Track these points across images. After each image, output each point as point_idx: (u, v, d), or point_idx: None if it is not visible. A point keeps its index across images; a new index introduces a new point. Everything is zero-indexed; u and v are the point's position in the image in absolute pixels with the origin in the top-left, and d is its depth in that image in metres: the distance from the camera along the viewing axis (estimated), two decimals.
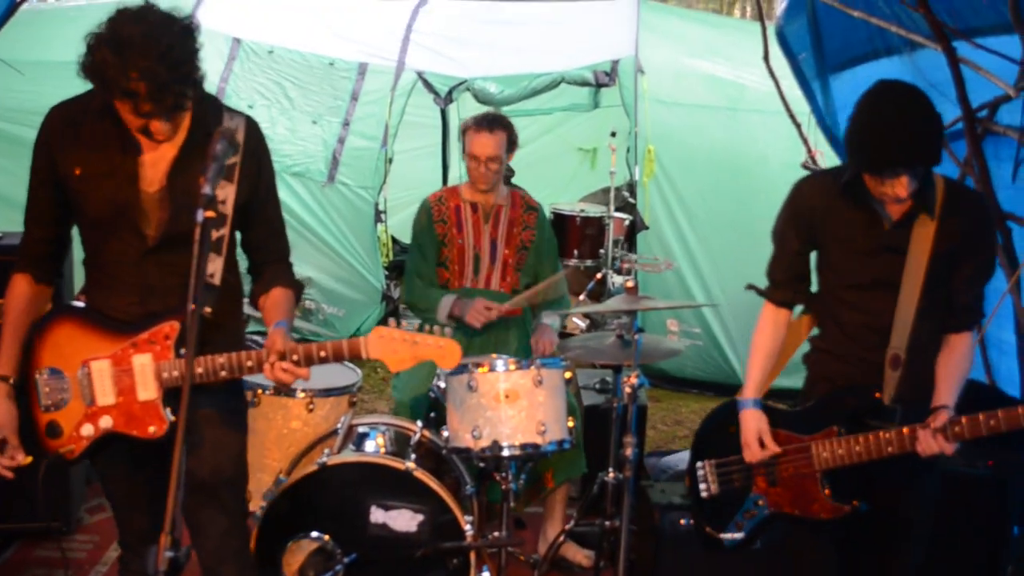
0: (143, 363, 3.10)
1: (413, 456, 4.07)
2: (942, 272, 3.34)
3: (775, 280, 3.67)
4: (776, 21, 5.96)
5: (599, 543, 4.55)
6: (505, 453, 3.99)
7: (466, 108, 9.88)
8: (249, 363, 3.07)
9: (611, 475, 4.46)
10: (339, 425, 4.33)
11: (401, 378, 4.98)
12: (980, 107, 4.34)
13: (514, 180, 9.10)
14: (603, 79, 7.90)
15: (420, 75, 8.18)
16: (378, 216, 8.41)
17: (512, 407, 4.01)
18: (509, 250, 5.04)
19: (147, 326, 3.13)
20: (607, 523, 4.47)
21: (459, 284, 5.00)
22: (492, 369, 4.05)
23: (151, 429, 3.10)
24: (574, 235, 9.10)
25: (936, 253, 3.31)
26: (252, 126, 3.22)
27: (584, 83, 8.13)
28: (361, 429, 4.33)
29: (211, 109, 3.17)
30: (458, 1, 9.21)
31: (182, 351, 3.09)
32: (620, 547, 4.19)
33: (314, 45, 8.36)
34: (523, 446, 4.00)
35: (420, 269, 5.02)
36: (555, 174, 10.57)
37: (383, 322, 8.81)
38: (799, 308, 3.74)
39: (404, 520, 3.99)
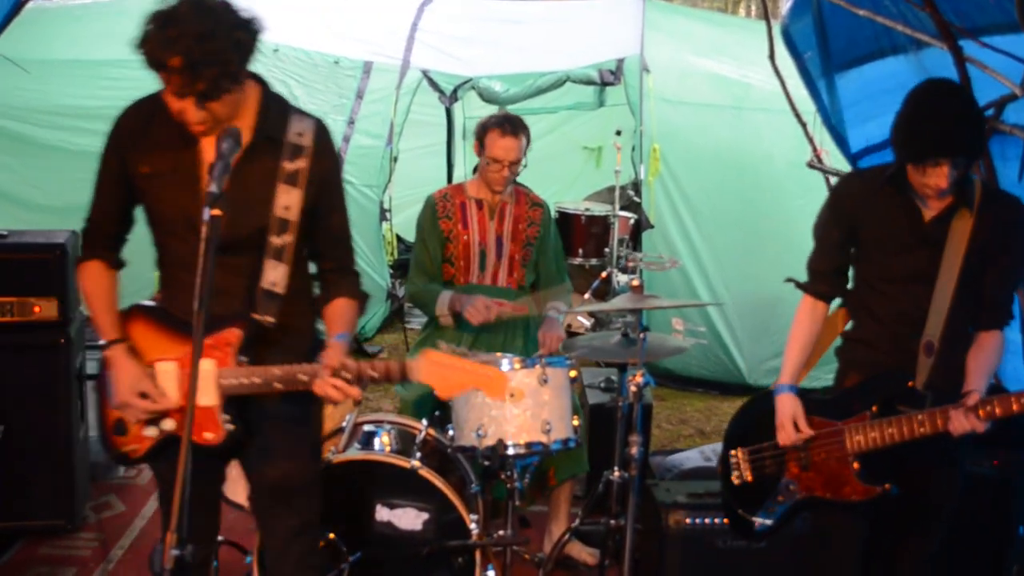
0: (205, 368, 3.07)
1: (418, 454, 4.07)
2: (977, 266, 3.44)
3: (815, 272, 3.75)
4: (781, 20, 5.95)
5: (604, 542, 4.55)
6: (510, 452, 3.99)
7: (471, 107, 9.91)
8: (303, 377, 3.05)
9: (616, 474, 4.46)
10: (344, 423, 4.33)
11: None
12: (986, 106, 4.31)
13: (519, 178, 9.10)
14: (608, 78, 7.89)
15: (425, 73, 8.18)
16: (383, 214, 8.40)
17: (517, 406, 4.01)
18: (515, 246, 5.04)
19: (212, 331, 3.10)
20: (612, 522, 4.46)
21: (465, 280, 5.01)
22: (497, 368, 4.04)
23: (208, 435, 3.10)
24: (579, 234, 9.08)
25: (972, 247, 3.41)
26: (321, 131, 3.19)
27: (589, 82, 8.12)
28: (366, 427, 4.33)
29: (277, 112, 3.16)
30: (464, 0, 9.21)
31: (242, 358, 3.10)
32: (625, 546, 4.19)
33: (319, 43, 8.36)
34: (528, 444, 4.00)
35: (423, 264, 5.02)
36: (560, 172, 10.56)
37: (389, 320, 8.86)
38: (836, 303, 3.82)
39: (409, 518, 3.99)
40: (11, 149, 8.01)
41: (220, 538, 3.90)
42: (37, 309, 4.83)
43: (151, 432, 3.16)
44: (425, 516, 3.99)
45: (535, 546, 4.97)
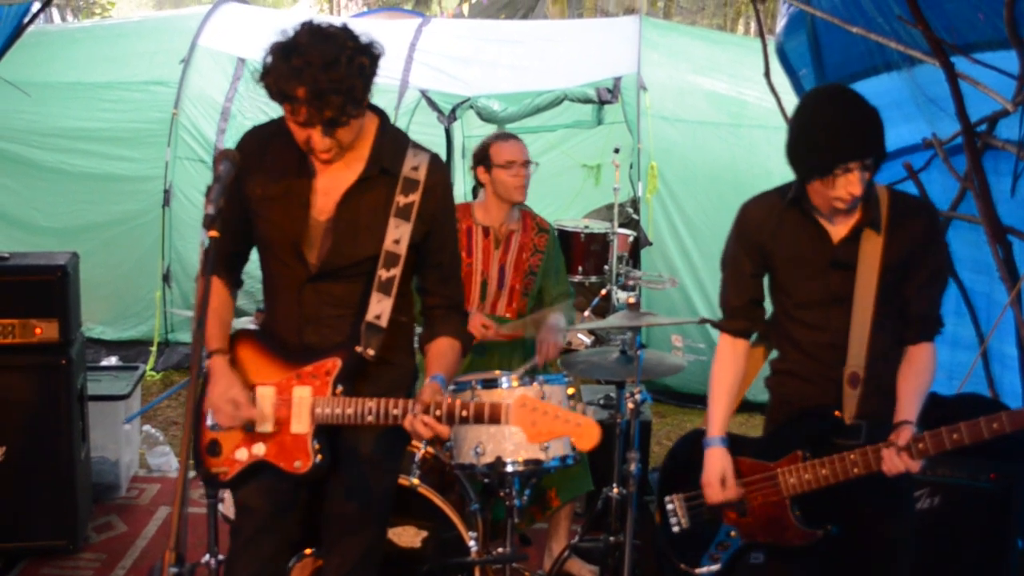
0: (302, 396, 3.13)
1: (418, 472, 4.09)
2: (893, 284, 3.32)
3: (730, 308, 3.58)
4: (776, 37, 5.99)
5: (603, 559, 4.57)
6: (508, 469, 4.00)
7: (470, 126, 9.95)
8: (395, 411, 3.07)
9: (615, 491, 4.48)
10: None
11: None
12: (979, 121, 4.36)
13: None
14: (606, 96, 7.93)
15: (424, 93, 8.21)
16: None
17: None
18: (517, 276, 5.04)
19: (313, 359, 3.16)
20: (611, 539, 4.49)
21: (466, 308, 5.00)
22: (496, 386, 4.07)
23: (297, 464, 3.14)
24: (578, 251, 9.09)
25: (886, 266, 3.29)
26: (435, 166, 3.20)
27: (587, 100, 8.16)
28: None
29: (394, 145, 3.18)
30: (461, 20, 9.25)
31: (339, 389, 3.12)
32: (624, 563, 4.21)
33: None
34: (526, 462, 4.01)
35: None
36: (559, 190, 10.58)
37: None
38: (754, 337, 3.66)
39: (408, 536, 4.00)
40: (12, 171, 8.07)
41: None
42: (39, 331, 4.86)
43: (242, 456, 3.19)
44: (424, 534, 4.01)
45: (535, 563, 4.98)
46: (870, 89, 5.16)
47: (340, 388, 3.12)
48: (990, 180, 4.43)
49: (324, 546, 3.37)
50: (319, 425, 3.12)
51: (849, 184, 3.14)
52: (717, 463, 3.46)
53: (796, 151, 3.22)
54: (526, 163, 4.96)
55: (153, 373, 7.98)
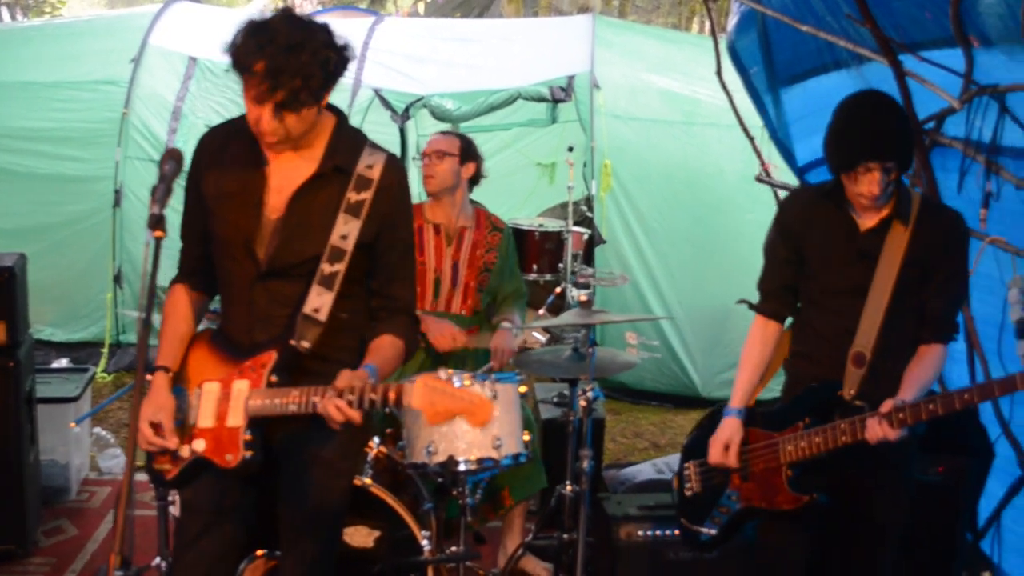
0: (239, 389, 3.12)
1: (370, 472, 4.07)
2: (913, 280, 3.46)
3: (765, 292, 3.79)
4: (727, 36, 6.02)
5: (558, 556, 4.57)
6: (461, 468, 3.98)
7: (424, 125, 9.91)
8: (315, 398, 3.04)
9: (568, 488, 4.48)
10: None
11: None
12: (927, 119, 4.39)
13: (472, 195, 9.10)
14: (559, 95, 7.94)
15: (377, 92, 8.18)
16: None
17: (467, 422, 4.01)
18: (471, 273, 5.03)
19: (253, 354, 3.15)
20: (565, 536, 4.49)
21: (419, 307, 4.98)
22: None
23: (228, 457, 3.11)
24: (533, 250, 9.08)
25: (908, 260, 3.44)
26: (391, 165, 3.20)
27: (540, 99, 8.17)
28: None
29: (350, 143, 3.19)
30: (415, 19, 9.24)
31: (273, 379, 3.10)
32: (577, 560, 4.22)
33: None
34: (479, 461, 4.00)
35: None
36: (514, 189, 10.57)
37: None
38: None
39: (361, 536, 3.98)
40: None
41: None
42: None
43: (184, 453, 3.15)
44: (377, 534, 3.99)
45: (489, 561, 4.97)
46: (820, 87, 5.21)
47: (274, 378, 3.10)
48: (938, 177, 4.46)
49: (280, 547, 3.34)
50: (254, 419, 3.10)
51: (870, 183, 3.35)
52: (727, 430, 3.68)
53: (828, 146, 3.47)
54: (435, 154, 4.95)
55: (104, 375, 7.90)
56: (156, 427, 3.10)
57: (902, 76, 4.33)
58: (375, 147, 3.22)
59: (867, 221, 3.50)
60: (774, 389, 3.89)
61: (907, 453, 3.53)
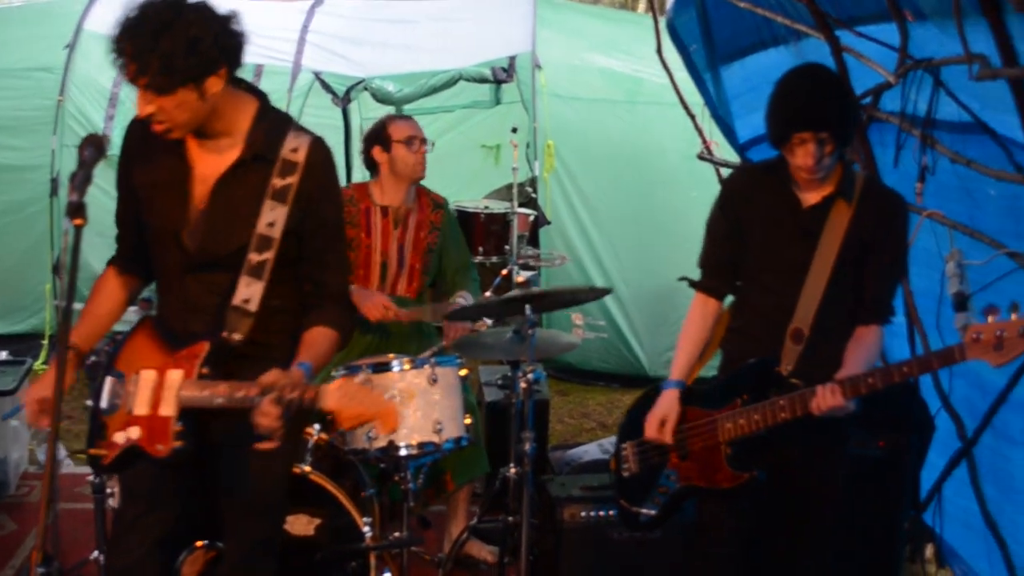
0: (173, 379, 3.07)
1: (310, 459, 4.03)
2: (853, 259, 3.47)
3: (705, 268, 3.78)
4: (666, 13, 6.01)
5: (503, 539, 4.55)
6: (402, 452, 3.97)
7: (367, 108, 9.83)
8: (239, 393, 2.98)
9: (512, 470, 4.46)
10: None
11: None
12: (864, 94, 4.39)
13: None
14: (501, 75, 7.89)
15: (317, 75, 8.10)
16: None
17: (407, 407, 3.99)
18: (416, 255, 5.00)
19: (187, 344, 3.10)
20: (510, 519, 4.47)
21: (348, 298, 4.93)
22: (388, 369, 4.03)
23: (158, 447, 3.05)
24: (479, 232, 9.04)
25: (849, 238, 3.45)
26: (316, 148, 3.13)
27: (482, 80, 8.12)
28: None
29: (272, 129, 3.11)
30: (354, 1, 9.15)
31: (204, 370, 3.05)
32: (522, 542, 4.20)
33: None
34: (420, 445, 3.99)
35: None
36: (459, 171, 10.51)
37: None
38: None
39: (301, 524, 3.94)
40: None
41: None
42: None
43: (119, 439, 3.10)
44: (317, 521, 3.95)
45: (434, 546, 4.94)
46: (758, 63, 5.22)
47: (205, 370, 3.05)
48: (876, 152, 4.49)
49: (226, 529, 3.31)
50: (185, 409, 3.05)
51: (804, 154, 3.34)
52: (664, 404, 3.65)
53: (767, 119, 3.46)
54: (424, 140, 4.94)
55: (44, 367, 7.78)
56: (42, 403, 3.08)
57: (839, 51, 4.34)
58: (301, 130, 3.16)
59: (810, 198, 3.50)
60: (714, 367, 3.89)
61: (843, 428, 3.53)
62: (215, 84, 2.93)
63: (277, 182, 3.06)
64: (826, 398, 3.31)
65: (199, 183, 3.09)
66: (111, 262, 3.37)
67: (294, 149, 3.08)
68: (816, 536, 3.66)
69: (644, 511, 3.77)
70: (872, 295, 3.54)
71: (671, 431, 3.62)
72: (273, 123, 3.13)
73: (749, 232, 3.63)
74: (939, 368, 3.43)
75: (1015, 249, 3.66)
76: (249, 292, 3.06)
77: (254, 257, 3.06)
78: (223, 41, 2.91)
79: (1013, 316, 3.12)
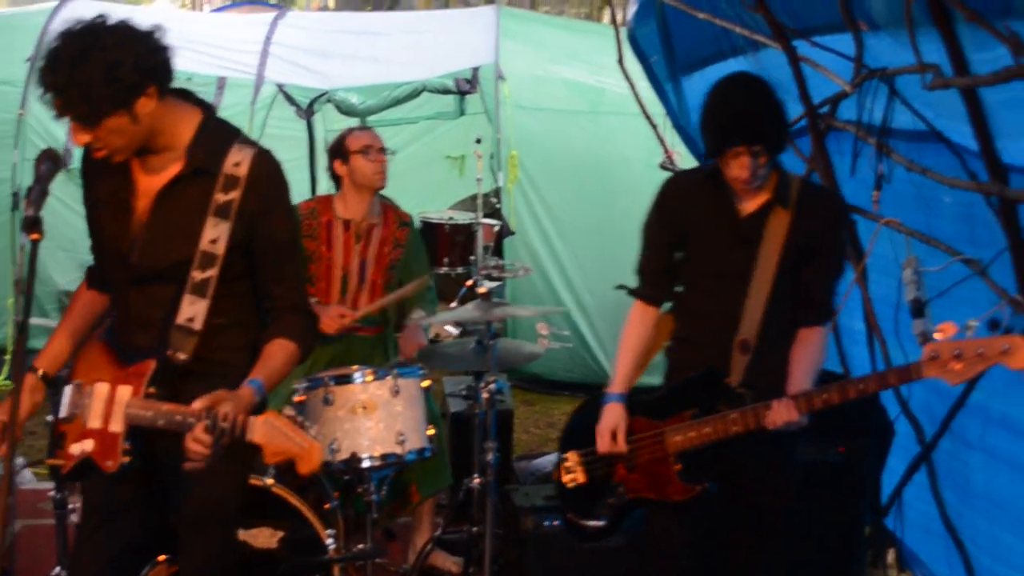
0: (122, 395, 3.06)
1: (272, 472, 4.02)
2: (793, 264, 3.47)
3: (643, 275, 3.76)
4: (627, 25, 6.04)
5: (467, 550, 4.56)
6: (365, 464, 3.97)
7: (331, 120, 9.84)
8: (178, 416, 2.98)
9: (476, 481, 4.47)
10: None
11: None
12: (821, 103, 4.44)
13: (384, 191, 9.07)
14: (464, 87, 7.93)
15: (280, 88, 8.10)
16: None
17: (369, 418, 3.99)
18: (378, 270, 4.97)
19: (136, 360, 3.09)
20: (474, 529, 4.48)
21: (326, 303, 4.93)
22: (349, 381, 4.03)
23: (108, 463, 3.04)
24: (443, 243, 9.09)
25: (788, 245, 3.45)
26: (260, 161, 3.09)
27: (446, 91, 8.16)
28: None
29: (215, 142, 3.08)
30: (317, 12, 9.15)
31: (151, 390, 3.04)
32: (485, 553, 4.20)
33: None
34: (383, 456, 3.99)
35: None
36: (424, 182, 10.53)
37: None
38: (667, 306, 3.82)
39: (264, 537, 3.93)
40: None
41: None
42: None
43: (75, 450, 3.09)
44: (281, 534, 3.94)
45: (399, 557, 4.94)
46: (718, 74, 5.17)
47: (152, 389, 3.05)
48: (833, 160, 4.53)
49: (181, 541, 3.28)
50: (133, 427, 3.04)
51: (739, 167, 3.35)
52: (611, 417, 3.61)
53: (700, 130, 3.47)
54: (382, 149, 4.94)
55: (8, 383, 7.72)
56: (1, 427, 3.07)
57: (796, 61, 4.38)
58: (246, 142, 3.13)
59: (748, 206, 3.51)
60: (653, 372, 3.89)
61: (793, 440, 3.53)
62: (146, 105, 2.89)
63: (220, 197, 3.04)
64: (781, 413, 3.32)
65: (142, 197, 3.09)
66: (86, 274, 3.40)
67: (237, 163, 3.06)
68: (769, 548, 3.66)
69: (592, 523, 3.73)
70: (814, 297, 3.56)
71: (624, 441, 3.59)
72: (216, 136, 3.10)
73: (687, 239, 3.62)
74: (896, 385, 3.45)
75: (970, 256, 3.70)
76: (193, 310, 3.05)
77: (197, 275, 3.04)
78: (145, 62, 2.86)
79: (969, 335, 3.15)
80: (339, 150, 4.97)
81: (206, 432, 2.90)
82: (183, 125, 3.05)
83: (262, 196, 3.10)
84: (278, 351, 3.17)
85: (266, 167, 3.11)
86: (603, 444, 3.61)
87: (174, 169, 3.05)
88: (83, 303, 3.37)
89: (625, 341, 3.75)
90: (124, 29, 2.86)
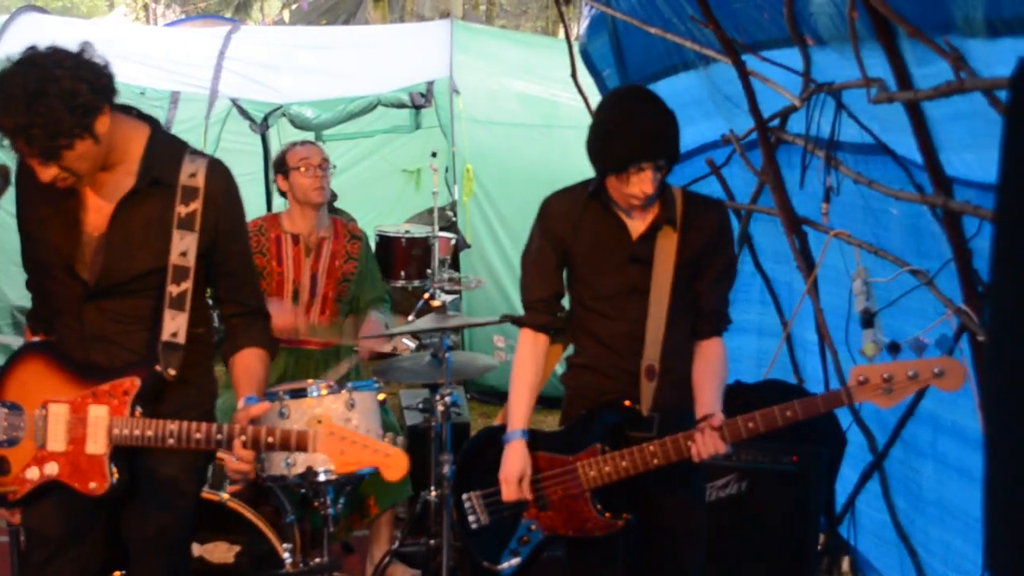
0: (98, 415, 3.02)
1: (228, 486, 4.02)
2: (687, 279, 3.44)
3: (533, 302, 3.61)
4: (580, 39, 6.09)
5: (425, 562, 4.57)
6: (321, 478, 3.97)
7: (285, 134, 9.81)
8: (198, 435, 2.99)
9: (433, 493, 4.48)
10: None
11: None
12: (771, 117, 4.50)
13: (338, 204, 9.06)
14: (419, 100, 7.93)
15: (234, 102, 8.07)
16: None
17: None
18: (329, 283, 5.00)
19: (108, 377, 3.05)
20: (432, 542, 4.49)
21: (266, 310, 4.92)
22: (304, 395, 4.04)
23: (92, 485, 3.01)
24: (400, 256, 9.04)
25: (680, 261, 3.40)
26: (213, 170, 3.11)
27: (401, 105, 8.15)
28: None
29: (166, 154, 3.08)
30: (271, 27, 9.14)
31: (137, 409, 3.02)
32: (442, 566, 4.22)
33: (124, 74, 8.12)
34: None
35: None
36: (380, 196, 10.53)
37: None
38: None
39: (220, 552, 3.94)
40: None
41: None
42: None
43: (32, 475, 3.05)
44: (237, 548, 3.96)
45: (358, 570, 4.94)
46: (670, 88, 5.30)
47: (139, 409, 3.04)
48: (784, 173, 4.58)
49: (130, 568, 3.28)
50: (116, 446, 3.03)
51: (642, 182, 3.26)
52: (517, 460, 3.47)
53: (594, 148, 3.34)
54: (322, 164, 4.95)
55: None
56: None
57: (746, 75, 4.44)
58: (196, 153, 3.15)
59: (637, 225, 3.43)
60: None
61: (704, 467, 3.44)
62: (103, 124, 2.91)
63: (182, 210, 3.06)
64: (707, 446, 3.25)
65: (93, 212, 3.07)
66: (28, 321, 3.36)
67: (192, 174, 3.08)
68: (690, 566, 3.55)
69: (505, 565, 3.56)
70: (710, 308, 3.49)
71: (529, 486, 3.46)
72: (166, 148, 3.12)
73: (576, 262, 3.51)
74: (825, 411, 3.37)
75: (917, 266, 3.76)
76: (175, 325, 3.06)
77: (173, 289, 3.05)
78: (97, 83, 2.88)
79: (894, 357, 3.17)
80: (280, 165, 5.03)
81: (245, 448, 2.93)
82: (132, 138, 3.06)
83: (220, 207, 3.13)
84: (255, 361, 3.21)
85: (221, 178, 3.15)
86: (509, 492, 3.46)
87: (128, 182, 3.04)
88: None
89: (520, 376, 3.56)
90: (66, 56, 2.86)
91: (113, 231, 3.05)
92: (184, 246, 3.05)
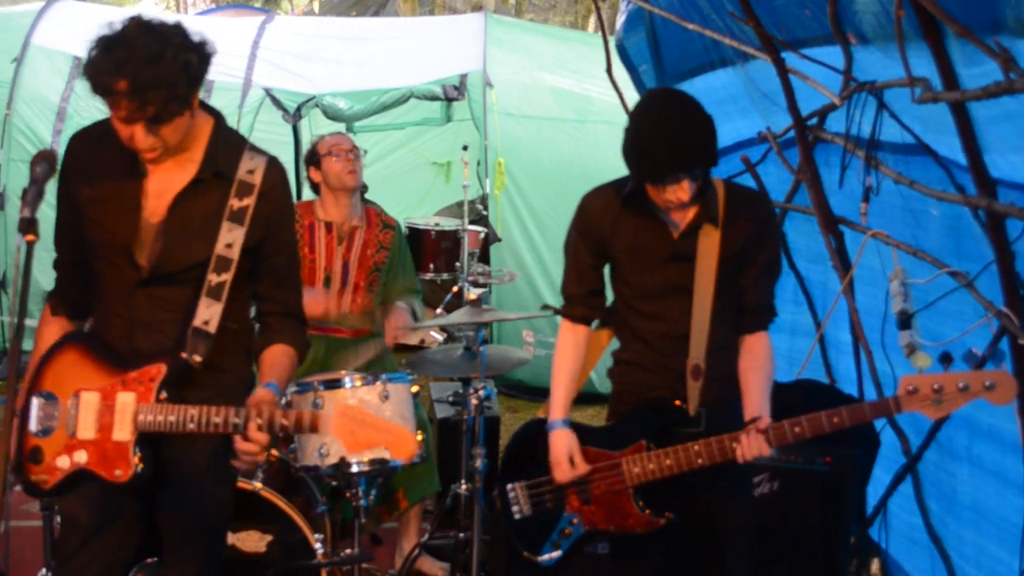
0: (125, 402, 3.01)
1: (261, 476, 4.03)
2: (731, 276, 3.41)
3: (569, 296, 3.63)
4: (616, 34, 6.07)
5: (454, 555, 4.57)
6: (353, 469, 3.97)
7: (317, 125, 9.84)
8: (217, 419, 2.98)
9: (464, 487, 4.48)
10: None
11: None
12: (809, 115, 4.47)
13: (368, 196, 9.08)
14: (452, 93, 7.93)
15: (268, 92, 8.09)
16: None
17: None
18: (361, 272, 5.00)
19: (138, 364, 3.05)
20: (461, 535, 4.49)
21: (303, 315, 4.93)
22: (339, 386, 4.04)
23: (117, 472, 3.01)
24: (430, 249, 9.08)
25: (723, 259, 3.37)
26: (272, 169, 3.12)
27: (433, 97, 8.16)
28: None
29: (229, 148, 3.10)
30: (305, 17, 9.15)
31: (163, 395, 3.02)
32: (473, 559, 4.21)
33: None
34: (371, 461, 3.99)
35: None
36: (410, 188, 10.56)
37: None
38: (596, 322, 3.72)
39: (253, 541, 3.94)
40: None
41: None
42: None
43: (63, 463, 3.05)
44: (269, 538, 3.96)
45: (386, 563, 4.94)
46: (707, 84, 5.28)
47: (164, 395, 3.02)
48: (821, 172, 4.55)
49: (163, 557, 3.27)
50: (142, 433, 3.02)
51: (679, 191, 3.23)
52: (563, 443, 3.47)
53: (630, 156, 3.28)
54: (352, 150, 4.97)
55: None
56: None
57: (785, 73, 4.41)
58: (255, 150, 3.15)
59: (677, 222, 3.39)
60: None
61: (750, 470, 3.47)
62: (196, 100, 2.95)
63: (235, 203, 3.06)
64: (752, 448, 3.23)
65: (153, 198, 3.06)
66: (52, 301, 3.30)
67: (250, 171, 3.08)
68: (732, 568, 3.53)
69: (545, 557, 3.56)
70: (754, 303, 3.47)
71: (583, 463, 3.45)
72: (229, 141, 3.13)
73: (616, 258, 3.50)
74: (872, 419, 3.35)
75: (956, 268, 3.73)
76: (209, 313, 3.05)
77: (213, 278, 3.05)
78: (203, 55, 2.91)
79: (946, 369, 3.12)
80: (312, 157, 5.05)
81: (260, 431, 2.93)
82: (199, 128, 3.06)
83: (275, 204, 3.13)
84: (282, 357, 3.19)
85: (278, 176, 3.15)
86: (562, 473, 3.47)
87: (190, 170, 3.05)
88: (52, 332, 3.25)
89: (559, 366, 3.60)
90: (175, 25, 2.89)
91: (172, 219, 3.05)
92: (231, 238, 3.05)
